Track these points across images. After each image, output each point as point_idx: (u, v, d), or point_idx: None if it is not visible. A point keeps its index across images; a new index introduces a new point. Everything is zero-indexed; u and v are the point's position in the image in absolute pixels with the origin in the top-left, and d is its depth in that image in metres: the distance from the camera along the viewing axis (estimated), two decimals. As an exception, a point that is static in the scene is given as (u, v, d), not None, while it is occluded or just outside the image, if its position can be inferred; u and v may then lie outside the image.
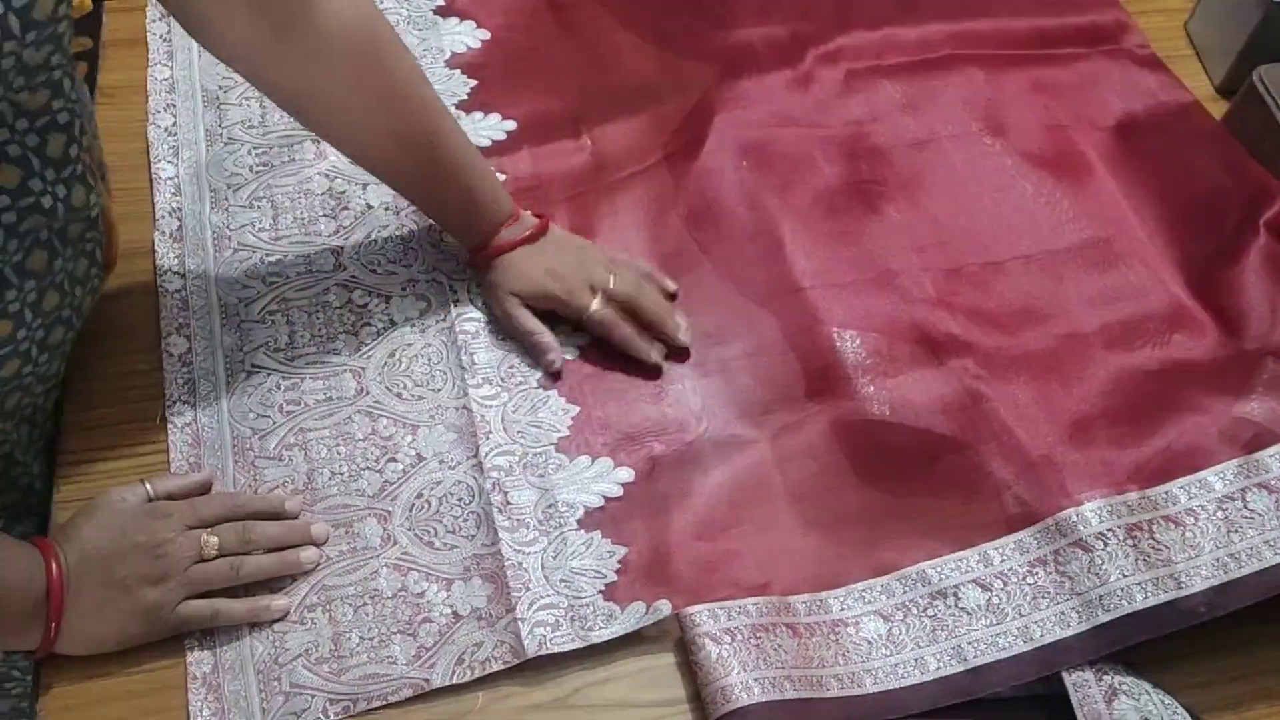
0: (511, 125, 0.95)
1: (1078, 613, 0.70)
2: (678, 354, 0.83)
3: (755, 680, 0.66)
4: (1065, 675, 0.68)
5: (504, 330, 0.82)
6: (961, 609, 0.71)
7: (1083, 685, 0.67)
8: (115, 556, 0.66)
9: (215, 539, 0.68)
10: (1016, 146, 0.96)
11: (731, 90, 0.98)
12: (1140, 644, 0.69)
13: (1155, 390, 0.81)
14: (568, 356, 0.82)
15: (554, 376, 0.80)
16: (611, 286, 0.80)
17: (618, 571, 0.72)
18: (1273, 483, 0.73)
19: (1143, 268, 0.89)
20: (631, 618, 0.70)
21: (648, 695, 0.69)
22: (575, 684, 0.69)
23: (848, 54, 1.01)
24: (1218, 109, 1.01)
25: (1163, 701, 0.67)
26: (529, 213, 0.83)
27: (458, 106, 0.95)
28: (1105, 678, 0.68)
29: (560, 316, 0.81)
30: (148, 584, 0.66)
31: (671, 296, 0.85)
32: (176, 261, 0.84)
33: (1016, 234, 0.91)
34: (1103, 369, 0.82)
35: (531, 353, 0.80)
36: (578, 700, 0.68)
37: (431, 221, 0.86)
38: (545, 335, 0.80)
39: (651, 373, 0.81)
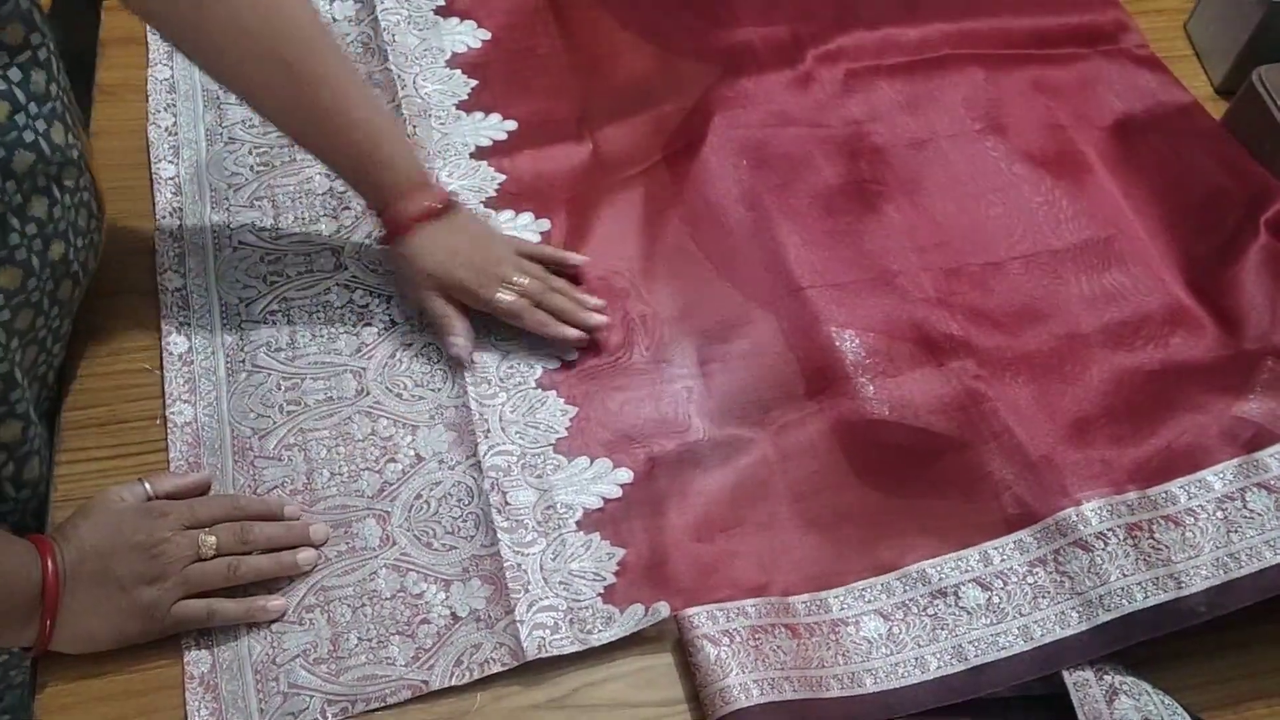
0: (512, 125, 0.94)
1: (1078, 612, 0.69)
2: (669, 355, 0.82)
3: (754, 681, 0.66)
4: (1066, 675, 0.67)
5: (416, 311, 0.82)
6: (962, 608, 0.70)
7: (1083, 685, 0.67)
8: (112, 555, 0.65)
9: (213, 539, 0.67)
10: (1016, 146, 0.95)
11: (731, 90, 0.97)
12: (1139, 644, 0.69)
13: (1155, 390, 0.80)
14: (568, 358, 0.81)
15: (458, 362, 0.79)
16: (521, 282, 0.80)
17: (616, 574, 0.72)
18: (1272, 482, 0.73)
19: (1142, 268, 0.88)
20: (630, 620, 0.70)
21: (646, 695, 0.69)
22: (573, 684, 0.69)
23: (847, 54, 1.00)
24: (1218, 109, 1.01)
25: (1163, 701, 0.67)
26: (438, 188, 0.81)
27: (458, 107, 0.94)
28: (1106, 677, 0.67)
29: (467, 304, 0.80)
30: (144, 583, 0.65)
31: (574, 278, 0.85)
32: (177, 261, 0.83)
33: (1016, 234, 0.90)
34: (1103, 369, 0.82)
35: (439, 333, 0.80)
36: (576, 700, 0.68)
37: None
38: (457, 320, 0.79)
39: (649, 372, 0.81)
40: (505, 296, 0.79)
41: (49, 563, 0.63)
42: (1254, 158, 0.93)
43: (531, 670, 0.68)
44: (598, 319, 0.81)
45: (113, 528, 0.66)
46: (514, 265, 0.80)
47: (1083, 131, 0.97)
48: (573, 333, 0.80)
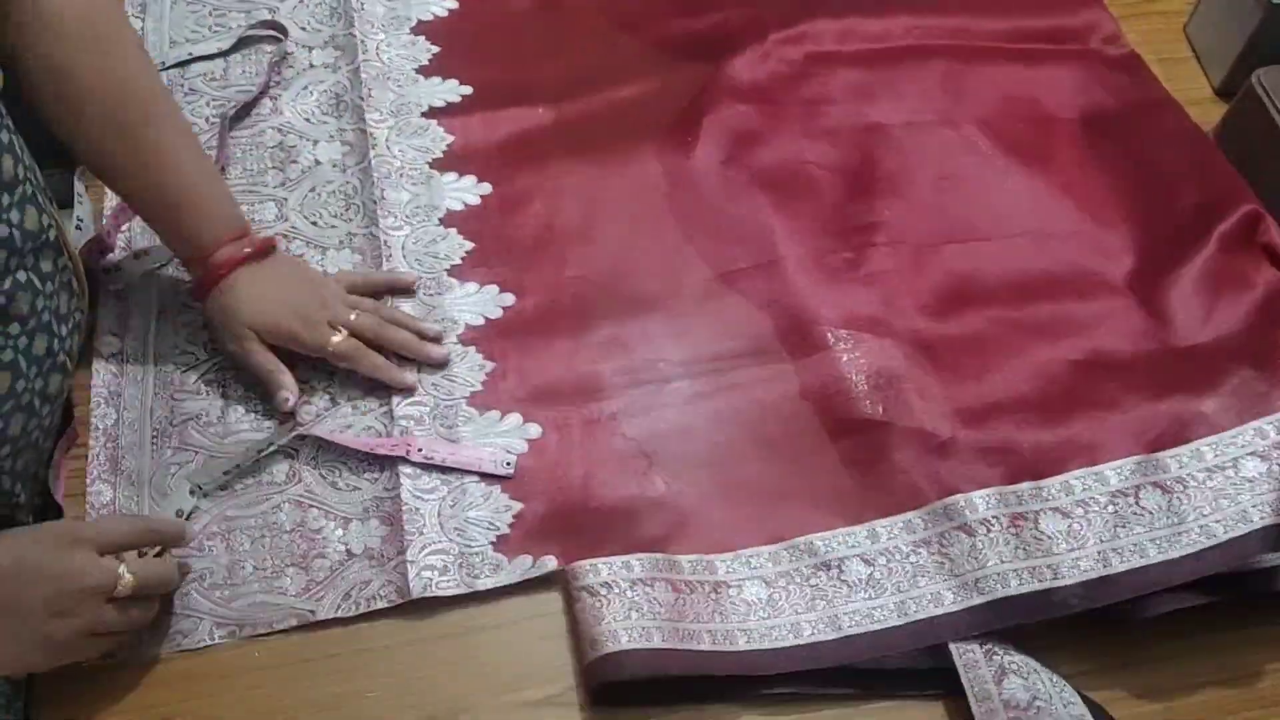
0: (468, 90, 0.98)
1: (953, 593, 0.71)
2: (592, 320, 0.85)
3: (624, 629, 0.68)
4: (956, 655, 0.69)
5: (235, 362, 0.80)
6: (843, 581, 0.73)
7: (973, 665, 0.69)
8: (17, 579, 0.61)
9: (130, 578, 0.64)
10: (969, 136, 0.97)
11: (690, 68, 1.00)
12: (1126, 643, 0.72)
13: (1071, 381, 0.82)
14: (491, 315, 0.85)
15: (284, 415, 0.78)
16: (354, 321, 0.79)
17: (511, 525, 0.75)
18: (1168, 483, 0.74)
19: (1084, 261, 0.89)
20: (517, 569, 0.73)
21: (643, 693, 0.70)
22: (571, 681, 0.71)
23: (810, 39, 1.03)
24: (1217, 111, 1.01)
25: (1051, 679, 0.68)
26: (257, 235, 0.80)
27: (417, 71, 0.99)
28: (995, 658, 0.69)
29: (298, 353, 0.79)
30: (52, 616, 0.61)
31: (409, 292, 0.85)
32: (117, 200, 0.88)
33: (960, 220, 0.92)
34: (1021, 357, 0.83)
35: (266, 389, 0.78)
36: (573, 698, 0.70)
37: (374, 180, 0.90)
38: (284, 375, 0.78)
39: (570, 334, 0.84)
40: (335, 338, 0.78)
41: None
42: (1253, 160, 0.93)
43: (529, 667, 0.71)
44: (438, 353, 0.81)
45: (20, 551, 0.62)
46: (344, 303, 0.80)
47: (1041, 124, 0.98)
48: (409, 378, 0.80)
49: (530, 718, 0.69)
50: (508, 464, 0.77)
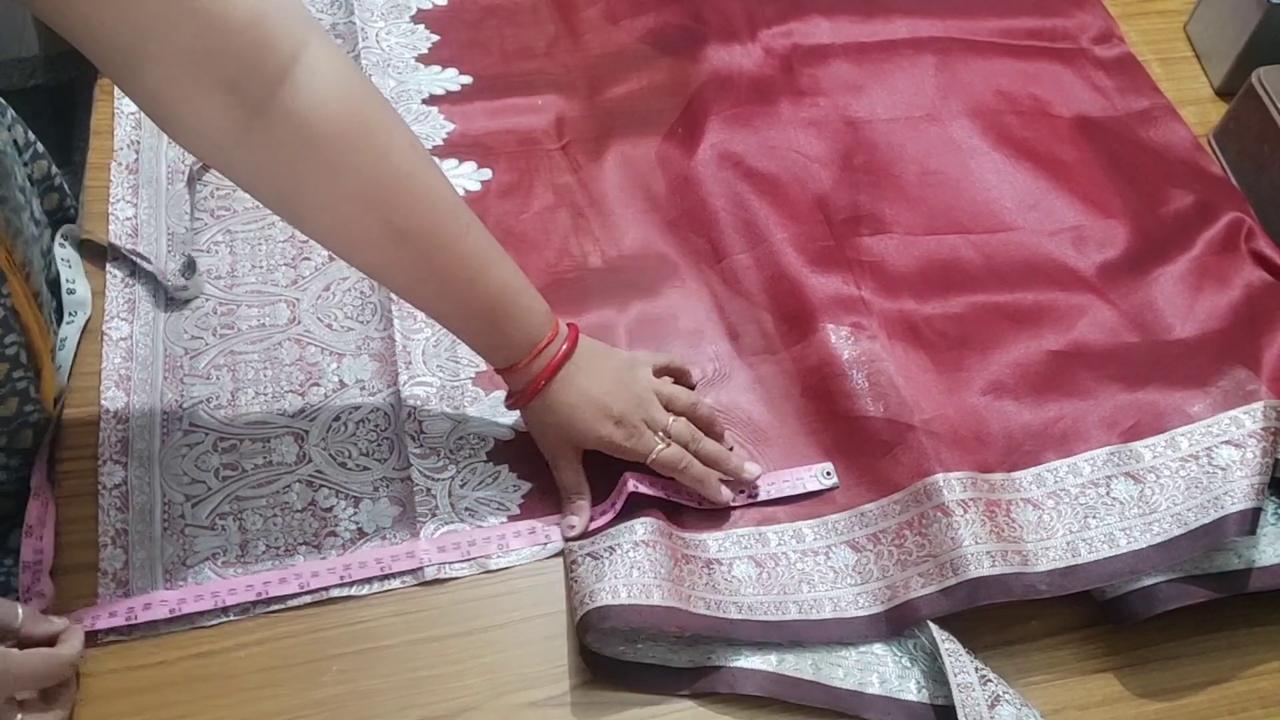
0: (468, 79, 1.02)
1: (931, 574, 0.74)
2: (598, 300, 0.88)
3: (624, 585, 0.71)
4: (950, 676, 0.71)
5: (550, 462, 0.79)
6: (830, 567, 0.77)
7: (967, 688, 0.70)
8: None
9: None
10: (956, 132, 1.01)
11: (688, 65, 1.05)
12: (1128, 644, 0.75)
13: (1049, 370, 0.85)
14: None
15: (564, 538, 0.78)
16: (673, 427, 0.78)
17: (520, 505, 0.79)
18: (1141, 473, 0.78)
19: (1067, 255, 0.94)
20: (526, 551, 0.77)
21: (645, 694, 0.72)
22: (573, 681, 0.72)
23: (799, 34, 1.08)
24: (1218, 110, 1.05)
25: (1041, 714, 0.71)
26: (563, 327, 0.77)
27: (417, 59, 1.02)
28: (989, 685, 0.71)
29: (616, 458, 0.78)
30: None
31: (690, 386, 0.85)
32: (130, 192, 0.91)
33: (943, 211, 0.96)
34: (1001, 346, 0.87)
35: (563, 501, 0.79)
36: (575, 698, 0.72)
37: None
38: (584, 500, 0.78)
39: (575, 315, 0.88)
40: (660, 447, 0.77)
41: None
42: (1253, 160, 0.97)
43: (531, 667, 0.73)
44: (752, 470, 0.80)
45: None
46: (656, 398, 0.78)
47: (1029, 122, 1.02)
48: (727, 494, 0.79)
49: (533, 718, 0.71)
50: (827, 473, 0.81)
